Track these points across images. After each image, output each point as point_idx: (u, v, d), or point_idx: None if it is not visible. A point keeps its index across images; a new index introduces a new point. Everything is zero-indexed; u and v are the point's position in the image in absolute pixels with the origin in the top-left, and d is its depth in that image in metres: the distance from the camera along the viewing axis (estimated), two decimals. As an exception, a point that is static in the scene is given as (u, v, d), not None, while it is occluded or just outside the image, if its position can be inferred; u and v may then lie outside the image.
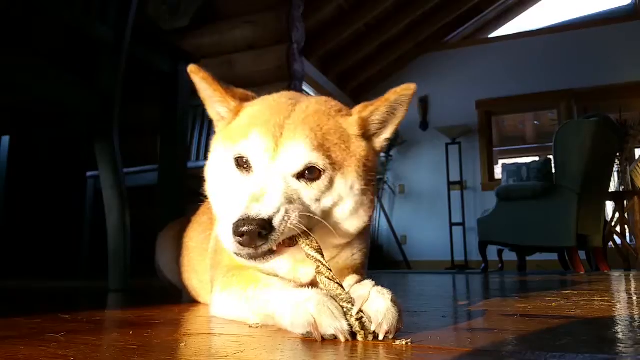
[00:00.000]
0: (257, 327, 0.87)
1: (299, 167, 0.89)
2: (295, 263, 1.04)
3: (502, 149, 8.55)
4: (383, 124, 1.01)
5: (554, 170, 4.77)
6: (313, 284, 1.06)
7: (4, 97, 1.74)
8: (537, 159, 6.81)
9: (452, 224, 7.63)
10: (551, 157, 4.87)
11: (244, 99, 1.05)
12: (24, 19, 1.73)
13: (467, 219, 7.62)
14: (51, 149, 3.73)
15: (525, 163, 5.47)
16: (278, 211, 0.83)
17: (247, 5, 4.05)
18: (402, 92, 0.99)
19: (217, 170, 1.01)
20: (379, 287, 0.82)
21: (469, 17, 8.20)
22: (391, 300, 0.77)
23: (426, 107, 8.22)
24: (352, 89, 8.32)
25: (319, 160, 0.90)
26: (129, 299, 1.64)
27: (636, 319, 1.02)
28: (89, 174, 3.21)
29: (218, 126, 1.09)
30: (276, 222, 0.82)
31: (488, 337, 0.78)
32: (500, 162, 7.97)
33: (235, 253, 0.86)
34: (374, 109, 0.99)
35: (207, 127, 3.41)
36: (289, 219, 0.84)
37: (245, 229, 0.80)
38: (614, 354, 0.65)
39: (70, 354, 0.64)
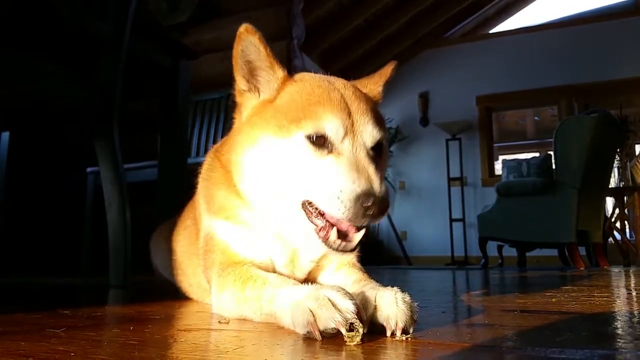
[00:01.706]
0: (257, 323, 0.87)
1: (375, 142, 0.92)
2: (293, 257, 1.04)
3: (502, 145, 8.54)
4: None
5: (554, 166, 4.76)
6: (308, 279, 1.06)
7: (4, 93, 1.73)
8: (537, 154, 6.79)
9: (452, 220, 7.64)
10: (551, 153, 4.86)
11: None
12: (24, 16, 1.73)
13: (467, 215, 7.63)
14: (51, 145, 3.72)
15: (526, 159, 5.47)
16: (386, 188, 0.85)
17: (247, 1, 4.04)
18: (394, 69, 1.12)
19: (272, 159, 0.94)
20: (386, 289, 0.80)
21: (469, 13, 8.17)
22: (402, 301, 0.76)
23: (426, 103, 8.21)
24: (352, 85, 8.30)
25: (384, 134, 0.94)
26: (130, 294, 1.65)
27: (635, 315, 1.02)
28: (89, 169, 3.21)
29: (245, 97, 1.02)
30: (389, 199, 0.85)
31: (488, 333, 0.78)
32: (501, 158, 7.97)
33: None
34: (384, 83, 1.09)
35: (207, 123, 3.40)
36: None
37: (371, 201, 0.81)
38: (614, 350, 0.65)
39: (71, 349, 0.65)
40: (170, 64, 2.43)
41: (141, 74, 2.60)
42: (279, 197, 0.94)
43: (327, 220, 0.88)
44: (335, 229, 0.87)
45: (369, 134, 0.91)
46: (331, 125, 0.88)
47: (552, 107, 8.05)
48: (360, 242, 1.12)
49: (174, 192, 2.41)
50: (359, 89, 0.99)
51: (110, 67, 1.84)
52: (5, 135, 3.28)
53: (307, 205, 0.90)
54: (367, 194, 0.81)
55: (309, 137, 0.89)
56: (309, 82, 0.97)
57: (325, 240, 0.87)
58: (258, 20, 3.93)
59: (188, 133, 3.17)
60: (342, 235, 0.88)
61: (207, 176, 1.13)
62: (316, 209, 0.88)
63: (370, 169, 0.85)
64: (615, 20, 7.52)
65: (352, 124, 0.90)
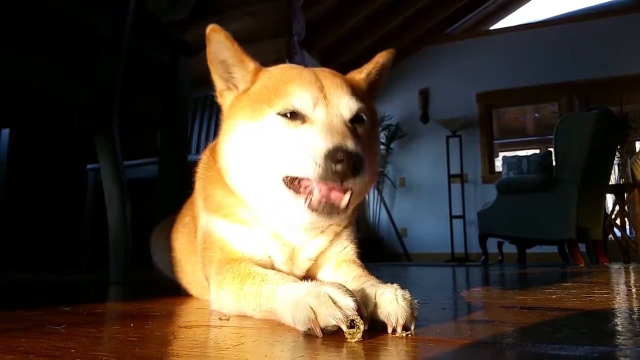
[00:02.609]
0: (257, 319, 0.87)
1: (352, 113, 0.91)
2: (292, 255, 1.04)
3: (502, 142, 8.54)
4: (372, 86, 1.08)
5: (554, 163, 4.76)
6: (308, 276, 1.06)
7: (4, 91, 1.73)
8: (537, 151, 6.80)
9: (452, 217, 7.64)
10: (552, 149, 4.86)
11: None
12: (24, 14, 1.72)
13: (467, 212, 7.63)
14: (51, 142, 3.72)
15: (526, 156, 5.46)
16: (361, 150, 0.83)
17: (247, -3, 4.03)
18: (387, 56, 1.09)
19: (250, 143, 0.94)
20: (385, 286, 0.79)
21: (469, 9, 8.16)
22: (402, 298, 0.75)
23: (427, 100, 8.20)
24: (352, 81, 8.29)
25: (364, 108, 0.93)
26: (130, 291, 1.65)
27: (635, 312, 1.02)
28: (89, 166, 3.21)
29: (225, 97, 1.05)
30: (365, 161, 0.82)
31: (488, 329, 0.78)
32: (501, 154, 7.96)
33: (312, 208, 0.85)
34: (369, 71, 1.07)
35: (207, 120, 3.40)
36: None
37: (342, 155, 0.79)
38: (614, 346, 0.65)
39: (71, 346, 0.65)
40: (170, 61, 2.43)
41: (141, 70, 2.60)
42: (261, 181, 0.94)
43: (305, 187, 0.87)
44: (316, 191, 0.85)
45: (345, 104, 0.90)
46: (301, 98, 0.89)
47: (553, 103, 8.05)
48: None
49: (174, 189, 2.41)
50: (339, 74, 1.00)
51: (110, 64, 1.83)
52: (6, 132, 3.28)
53: (287, 181, 0.89)
54: (338, 148, 0.80)
55: (283, 111, 0.90)
56: (282, 68, 1.00)
57: (310, 206, 0.86)
58: (258, 16, 3.92)
59: (188, 130, 3.17)
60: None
61: (204, 175, 1.13)
62: (294, 178, 0.87)
63: (346, 132, 0.84)
64: (615, 16, 7.51)
65: (325, 97, 0.90)
